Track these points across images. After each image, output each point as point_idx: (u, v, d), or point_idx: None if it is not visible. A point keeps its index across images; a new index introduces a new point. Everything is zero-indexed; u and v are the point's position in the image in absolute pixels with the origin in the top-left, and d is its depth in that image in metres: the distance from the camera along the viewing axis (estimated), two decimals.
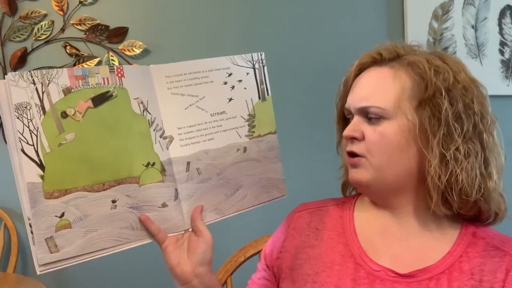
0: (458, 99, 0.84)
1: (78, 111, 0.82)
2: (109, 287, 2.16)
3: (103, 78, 0.85)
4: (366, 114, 0.88)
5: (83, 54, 2.14)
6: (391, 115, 0.86)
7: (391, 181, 0.87)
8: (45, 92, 0.80)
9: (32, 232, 0.80)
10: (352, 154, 0.89)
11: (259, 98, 1.01)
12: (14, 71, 2.14)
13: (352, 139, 0.89)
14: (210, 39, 2.18)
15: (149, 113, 0.88)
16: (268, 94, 1.02)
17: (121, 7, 2.17)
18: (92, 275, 2.11)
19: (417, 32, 2.18)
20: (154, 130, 0.89)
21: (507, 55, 2.26)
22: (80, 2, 2.15)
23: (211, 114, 0.94)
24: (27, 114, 0.79)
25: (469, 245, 0.87)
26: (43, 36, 2.14)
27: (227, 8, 2.20)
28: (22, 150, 0.79)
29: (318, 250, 0.94)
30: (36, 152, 0.80)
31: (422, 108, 0.85)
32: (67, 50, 2.14)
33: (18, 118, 0.78)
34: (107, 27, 2.15)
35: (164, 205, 0.89)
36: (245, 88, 0.98)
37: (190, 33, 2.18)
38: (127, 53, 2.15)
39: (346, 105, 0.92)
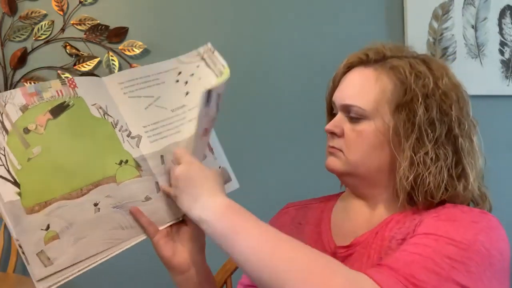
0: (433, 105, 0.88)
1: (39, 124, 0.84)
2: (110, 287, 2.16)
3: (57, 91, 0.86)
4: (349, 112, 0.92)
5: (83, 54, 2.14)
6: (370, 116, 0.90)
7: (363, 176, 0.92)
8: (3, 113, 0.82)
9: (23, 253, 0.80)
10: (331, 146, 0.94)
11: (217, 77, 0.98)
12: (14, 71, 2.14)
13: (333, 134, 0.93)
14: (210, 39, 2.18)
15: (111, 116, 0.89)
16: (224, 68, 0.96)
17: (121, 7, 2.17)
18: (92, 276, 2.11)
19: (417, 32, 2.18)
20: (119, 131, 0.90)
21: (507, 55, 2.26)
22: (80, 2, 2.15)
23: (171, 110, 0.94)
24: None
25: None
26: (43, 36, 2.14)
27: (227, 7, 2.19)
28: None
29: None
30: (8, 171, 0.80)
31: (398, 112, 0.88)
32: (67, 50, 2.14)
33: None
34: (107, 27, 2.15)
35: (147, 198, 0.89)
36: (199, 79, 0.97)
37: (190, 33, 2.18)
38: (127, 53, 2.15)
39: (333, 100, 0.96)
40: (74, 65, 2.14)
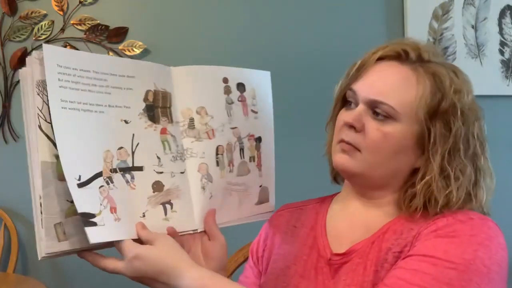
0: (468, 120, 0.86)
1: None
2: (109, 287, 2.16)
3: None
4: (375, 107, 0.85)
5: None
6: (401, 118, 0.85)
7: (377, 179, 0.88)
8: None
9: (41, 213, 0.75)
10: (346, 142, 0.87)
11: None
12: (14, 71, 2.14)
13: (351, 127, 0.86)
14: (210, 39, 2.18)
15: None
16: None
17: (121, 7, 2.17)
18: (92, 275, 2.11)
19: (417, 32, 2.18)
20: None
21: (507, 55, 2.26)
22: (80, 2, 2.15)
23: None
24: (47, 92, 0.76)
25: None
26: (43, 36, 2.15)
27: (227, 7, 2.20)
28: (40, 127, 0.76)
29: (292, 246, 0.96)
30: (53, 131, 0.76)
31: (434, 120, 0.85)
32: None
33: (38, 94, 0.76)
34: (107, 27, 2.15)
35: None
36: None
37: (190, 33, 2.18)
38: (127, 53, 2.15)
39: (355, 89, 0.88)
40: None
